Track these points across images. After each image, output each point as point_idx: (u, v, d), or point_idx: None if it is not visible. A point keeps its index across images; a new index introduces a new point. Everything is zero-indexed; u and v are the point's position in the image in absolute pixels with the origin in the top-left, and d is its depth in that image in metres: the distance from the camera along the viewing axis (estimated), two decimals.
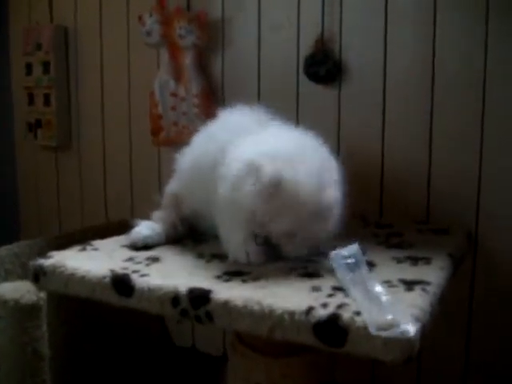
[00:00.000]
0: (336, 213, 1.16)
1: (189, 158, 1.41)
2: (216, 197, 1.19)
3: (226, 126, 1.37)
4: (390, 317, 0.88)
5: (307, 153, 1.18)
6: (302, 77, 1.76)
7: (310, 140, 1.25)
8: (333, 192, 1.15)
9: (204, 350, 2.10)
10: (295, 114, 1.80)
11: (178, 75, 1.91)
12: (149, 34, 1.92)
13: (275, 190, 1.08)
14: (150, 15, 1.91)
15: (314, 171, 1.13)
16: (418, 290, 1.03)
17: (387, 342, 0.86)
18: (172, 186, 1.47)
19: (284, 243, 1.15)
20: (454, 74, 1.61)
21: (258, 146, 1.18)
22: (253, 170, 1.10)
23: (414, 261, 1.24)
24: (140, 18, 1.93)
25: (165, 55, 1.93)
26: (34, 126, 2.38)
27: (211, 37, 1.91)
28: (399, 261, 1.24)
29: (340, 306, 0.94)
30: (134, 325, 1.84)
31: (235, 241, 1.17)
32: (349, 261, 1.10)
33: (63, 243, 1.41)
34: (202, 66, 1.93)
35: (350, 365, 1.72)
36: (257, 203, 1.09)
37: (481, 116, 1.58)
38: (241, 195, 1.11)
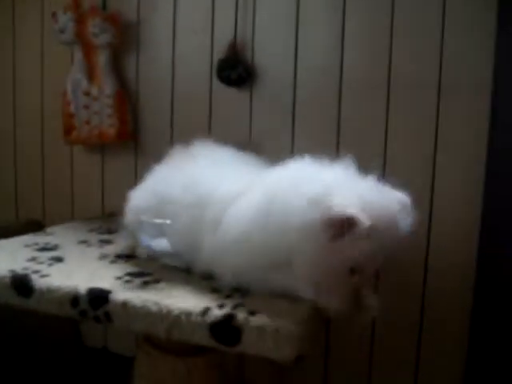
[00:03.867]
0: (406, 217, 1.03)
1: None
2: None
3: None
4: None
5: (357, 181, 1.05)
6: (215, 80, 1.78)
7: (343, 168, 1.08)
8: (399, 194, 1.05)
9: (116, 350, 2.09)
10: (208, 116, 1.82)
11: (91, 74, 1.89)
12: (62, 31, 1.88)
13: (371, 234, 0.94)
14: (64, 13, 1.88)
15: (373, 188, 1.02)
16: None
17: (278, 341, 0.89)
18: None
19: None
20: (362, 76, 1.66)
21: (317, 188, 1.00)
22: (341, 219, 0.94)
23: None
24: (53, 14, 1.90)
25: (78, 53, 1.90)
26: None
27: (126, 37, 1.90)
28: None
29: (236, 307, 0.97)
30: (44, 327, 1.81)
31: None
32: None
33: None
34: (117, 67, 1.92)
35: (260, 365, 1.76)
36: (355, 253, 0.96)
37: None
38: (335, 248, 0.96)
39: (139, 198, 1.28)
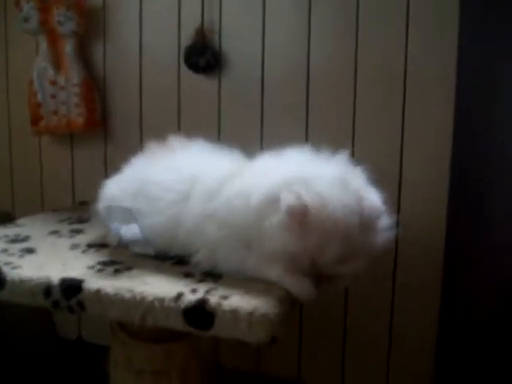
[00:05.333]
0: (382, 219, 1.01)
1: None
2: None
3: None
4: None
5: (321, 167, 1.04)
6: (183, 66, 1.77)
7: (312, 155, 1.09)
8: (372, 196, 1.01)
9: (91, 340, 2.08)
10: (177, 104, 1.81)
11: (57, 63, 1.87)
12: (26, 20, 1.85)
13: (305, 218, 0.93)
14: (28, 1, 1.85)
15: (338, 183, 0.98)
16: None
17: (252, 323, 0.90)
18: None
19: (337, 272, 1.00)
20: (326, 61, 1.66)
21: (264, 178, 1.03)
22: (270, 203, 0.97)
23: None
24: (17, 3, 1.87)
25: (43, 42, 1.88)
26: None
27: (92, 25, 1.88)
28: None
29: (208, 291, 0.98)
30: (17, 319, 1.80)
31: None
32: None
33: None
34: (83, 55, 1.90)
35: (235, 349, 1.77)
36: (291, 242, 0.95)
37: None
38: (271, 240, 0.97)
39: (114, 185, 1.28)
